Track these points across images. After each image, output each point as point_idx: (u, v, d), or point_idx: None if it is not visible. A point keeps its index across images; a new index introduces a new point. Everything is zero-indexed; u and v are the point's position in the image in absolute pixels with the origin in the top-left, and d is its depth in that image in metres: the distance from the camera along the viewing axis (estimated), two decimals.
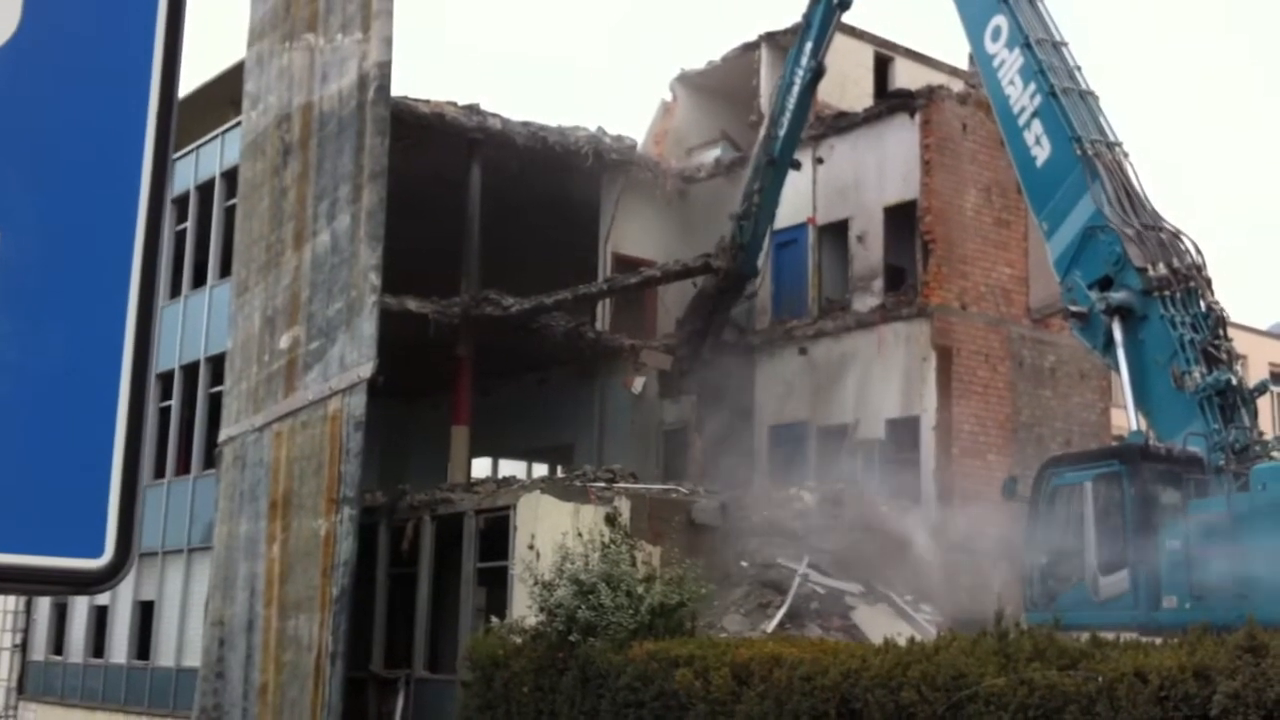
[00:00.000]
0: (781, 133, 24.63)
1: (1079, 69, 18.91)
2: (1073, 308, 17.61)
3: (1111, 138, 18.30)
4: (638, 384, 27.13)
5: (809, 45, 24.10)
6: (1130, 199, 17.78)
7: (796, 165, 25.39)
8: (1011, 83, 18.80)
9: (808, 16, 24.30)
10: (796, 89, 24.32)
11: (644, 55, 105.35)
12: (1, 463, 1.82)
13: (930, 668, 12.61)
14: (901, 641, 13.78)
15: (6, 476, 1.82)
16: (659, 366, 27.39)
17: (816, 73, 24.22)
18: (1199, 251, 17.35)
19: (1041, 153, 18.33)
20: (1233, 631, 11.32)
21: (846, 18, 24.70)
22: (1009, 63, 18.88)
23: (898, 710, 12.62)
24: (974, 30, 19.65)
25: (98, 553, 1.86)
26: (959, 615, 18.94)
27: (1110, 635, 12.73)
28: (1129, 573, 15.49)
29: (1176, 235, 17.50)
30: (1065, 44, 19.07)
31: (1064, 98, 18.23)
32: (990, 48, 19.26)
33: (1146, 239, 17.22)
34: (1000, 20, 19.07)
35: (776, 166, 24.86)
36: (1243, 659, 10.71)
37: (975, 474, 23.42)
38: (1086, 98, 18.62)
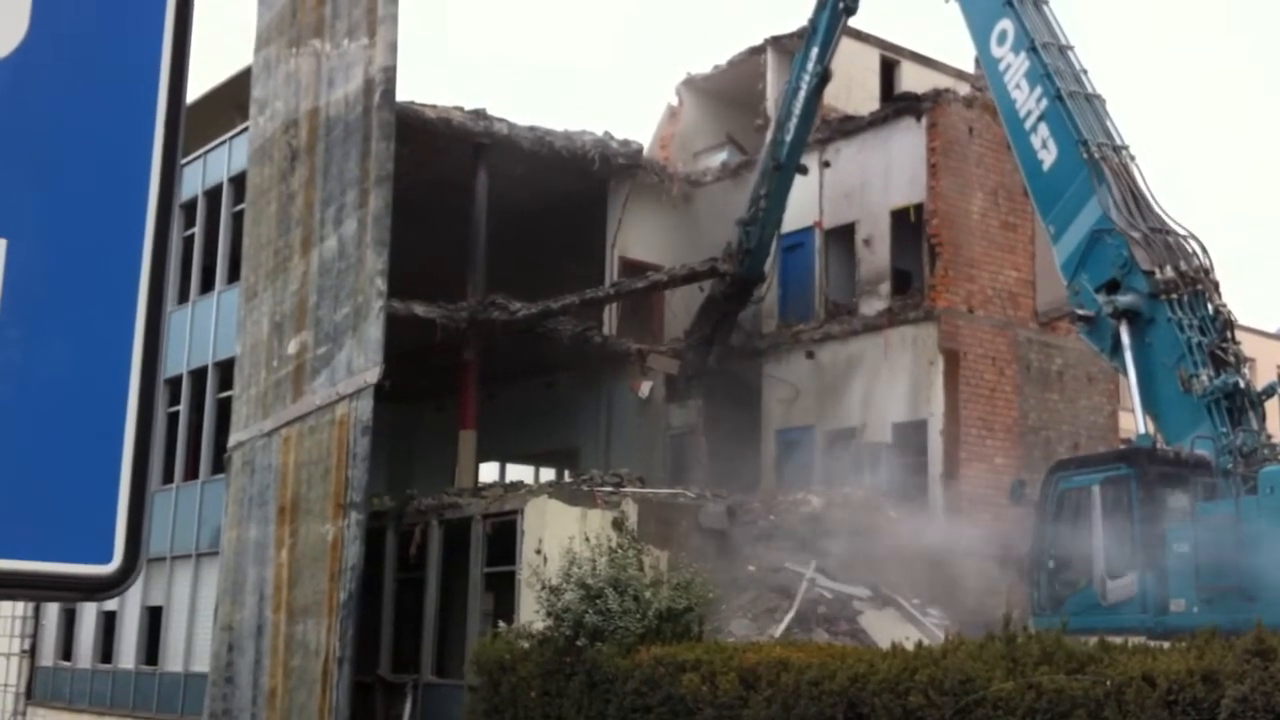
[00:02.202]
0: (788, 137, 24.61)
1: (1085, 72, 18.89)
2: (1080, 311, 17.58)
3: (1118, 141, 18.26)
4: (645, 388, 27.12)
5: (815, 50, 24.10)
6: (1137, 202, 17.74)
7: (803, 170, 25.38)
8: (1018, 86, 18.79)
9: (813, 21, 24.29)
10: (803, 94, 24.32)
11: (646, 57, 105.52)
12: (10, 469, 1.83)
13: (938, 672, 12.59)
14: (909, 646, 13.76)
15: (15, 483, 1.83)
16: (666, 371, 27.39)
17: (823, 78, 24.22)
18: (1206, 254, 17.31)
19: (1048, 156, 18.31)
20: (1241, 635, 11.30)
21: (853, 22, 24.70)
22: (1015, 66, 18.87)
23: (905, 715, 12.60)
24: (979, 34, 19.65)
25: (106, 559, 1.86)
26: (967, 619, 18.91)
27: (1118, 639, 12.71)
28: (1137, 576, 15.45)
29: (1184, 238, 17.45)
30: (1071, 47, 19.05)
31: (1070, 101, 18.21)
32: (996, 51, 19.25)
33: (1153, 242, 17.18)
34: (1006, 24, 19.05)
35: (783, 171, 24.85)
36: (1251, 663, 10.68)
37: (982, 478, 23.39)
38: (1093, 101, 18.58)
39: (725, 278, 25.58)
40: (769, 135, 25.34)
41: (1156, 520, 15.50)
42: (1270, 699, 10.39)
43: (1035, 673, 11.86)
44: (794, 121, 24.50)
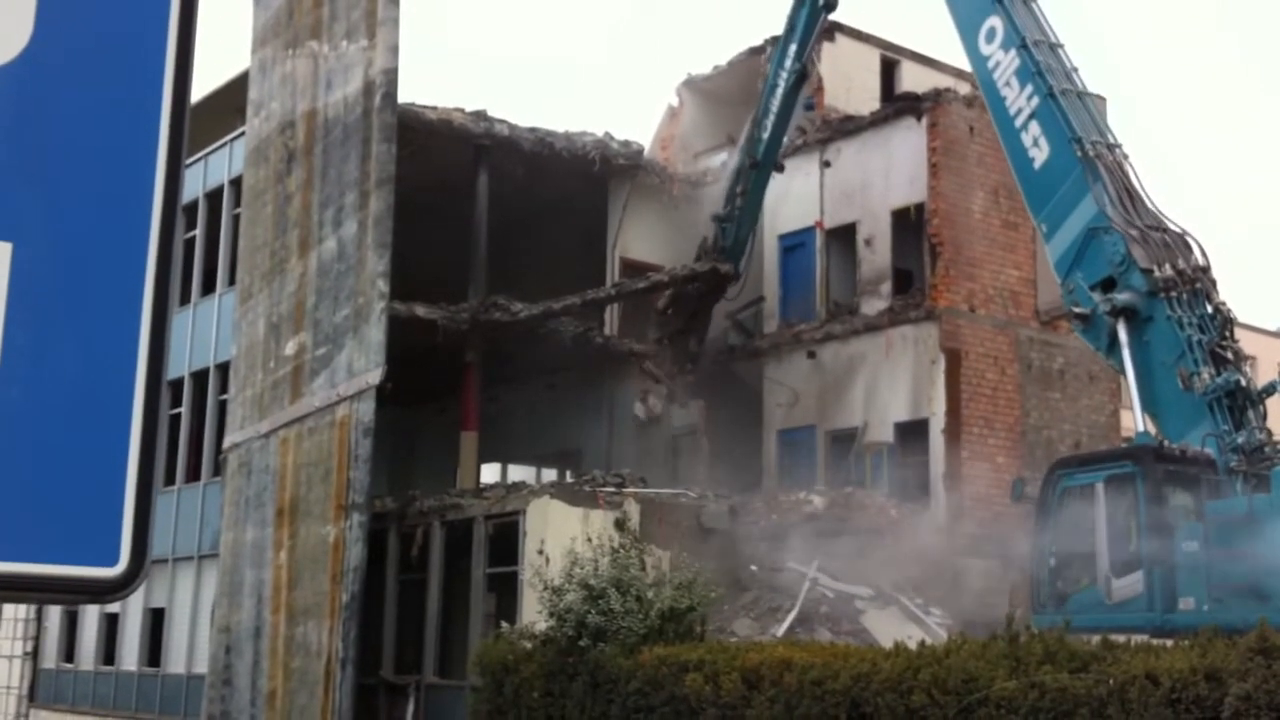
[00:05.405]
0: (765, 135, 24.65)
1: (1076, 70, 18.85)
2: (1075, 309, 17.52)
3: (1111, 139, 18.24)
4: (654, 405, 27.09)
5: (793, 48, 24.09)
6: (1132, 199, 17.70)
7: (780, 168, 25.44)
8: (1008, 84, 18.73)
9: (791, 19, 24.26)
10: (780, 91, 24.30)
11: (644, 55, 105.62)
12: (17, 473, 1.82)
13: (941, 671, 12.59)
14: (912, 645, 13.76)
15: (22, 486, 1.83)
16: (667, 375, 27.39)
17: (800, 75, 24.18)
18: (1204, 252, 17.25)
19: (1039, 154, 18.25)
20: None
21: (853, 21, 24.73)
22: (1004, 64, 18.82)
23: (908, 714, 12.60)
24: (967, 31, 19.56)
25: (113, 561, 1.86)
26: (969, 618, 18.90)
27: (1120, 637, 12.70)
28: (1144, 574, 15.40)
29: (1181, 236, 17.40)
30: (1061, 45, 19.03)
31: (1063, 99, 18.16)
32: (985, 49, 19.18)
33: (1150, 239, 17.12)
34: (995, 21, 19.00)
35: (760, 169, 24.88)
36: (1254, 661, 10.68)
37: (984, 477, 23.39)
38: (1084, 98, 18.55)
39: (699, 271, 25.85)
40: (744, 133, 25.36)
41: (1163, 518, 15.46)
42: (1274, 697, 10.38)
43: (1038, 672, 11.85)
44: (771, 119, 24.53)
